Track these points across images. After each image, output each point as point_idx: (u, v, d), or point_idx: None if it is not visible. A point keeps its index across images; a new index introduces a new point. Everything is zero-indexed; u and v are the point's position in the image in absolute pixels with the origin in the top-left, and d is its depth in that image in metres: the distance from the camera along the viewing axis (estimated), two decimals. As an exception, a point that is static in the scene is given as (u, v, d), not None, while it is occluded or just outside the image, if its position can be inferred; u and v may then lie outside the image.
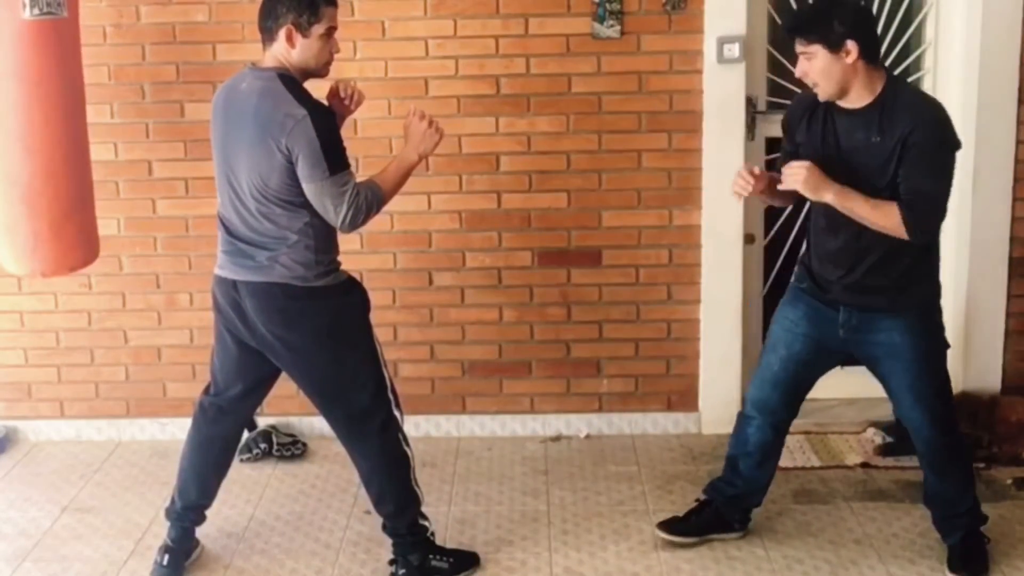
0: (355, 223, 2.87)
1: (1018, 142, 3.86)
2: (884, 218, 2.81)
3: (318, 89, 2.96)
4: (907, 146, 2.78)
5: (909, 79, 3.99)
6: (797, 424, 3.97)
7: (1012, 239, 3.93)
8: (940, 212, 2.84)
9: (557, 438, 4.09)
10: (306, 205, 2.87)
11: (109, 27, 3.81)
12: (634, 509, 3.55)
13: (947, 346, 3.10)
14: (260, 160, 2.82)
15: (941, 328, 3.06)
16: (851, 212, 2.85)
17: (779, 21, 3.91)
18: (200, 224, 3.90)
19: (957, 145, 2.86)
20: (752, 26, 3.81)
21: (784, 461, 3.77)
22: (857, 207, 2.83)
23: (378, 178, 2.96)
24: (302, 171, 2.81)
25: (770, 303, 4.17)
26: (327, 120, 2.84)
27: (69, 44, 3.23)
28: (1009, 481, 3.61)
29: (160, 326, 4.06)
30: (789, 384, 3.15)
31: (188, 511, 3.20)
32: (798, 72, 2.88)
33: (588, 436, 4.10)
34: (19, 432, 4.15)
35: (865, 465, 3.78)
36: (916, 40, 4.00)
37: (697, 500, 3.39)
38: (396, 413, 3.07)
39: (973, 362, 4.02)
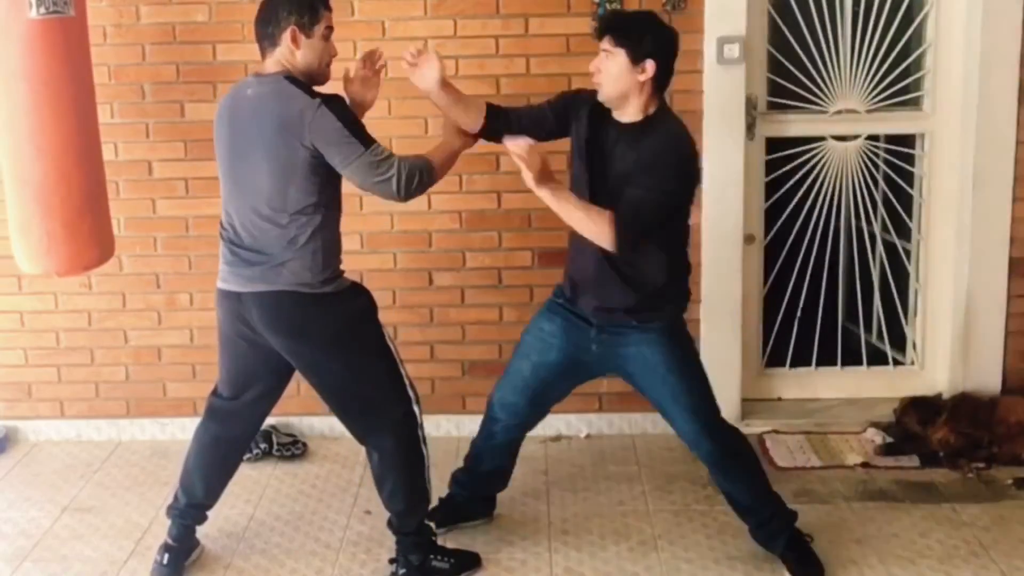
0: (410, 187, 2.87)
1: (1018, 142, 3.86)
2: (592, 223, 2.81)
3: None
4: (640, 160, 2.83)
5: (909, 79, 4.00)
6: (797, 424, 4.01)
7: (1012, 239, 3.93)
8: (638, 224, 2.80)
9: (557, 438, 4.09)
10: (316, 211, 2.86)
11: (109, 27, 3.81)
12: (634, 509, 3.55)
13: (697, 353, 3.17)
14: (279, 162, 2.80)
15: (689, 337, 3.14)
16: (561, 212, 2.85)
17: (779, 22, 3.92)
18: (200, 224, 3.90)
19: (686, 180, 2.89)
20: (752, 26, 3.81)
21: (784, 461, 3.79)
22: (568, 209, 2.83)
23: (422, 154, 2.98)
24: (336, 158, 2.80)
25: (770, 303, 4.18)
26: (341, 104, 2.86)
27: (77, 43, 3.21)
28: (1009, 481, 3.61)
29: (160, 326, 4.06)
30: (538, 391, 3.20)
31: (191, 509, 3.20)
32: (592, 66, 2.93)
33: (588, 436, 4.10)
34: (19, 432, 4.15)
35: (865, 465, 3.77)
36: (916, 40, 4.00)
37: (440, 499, 3.40)
38: (415, 409, 3.06)
39: (973, 362, 4.02)
